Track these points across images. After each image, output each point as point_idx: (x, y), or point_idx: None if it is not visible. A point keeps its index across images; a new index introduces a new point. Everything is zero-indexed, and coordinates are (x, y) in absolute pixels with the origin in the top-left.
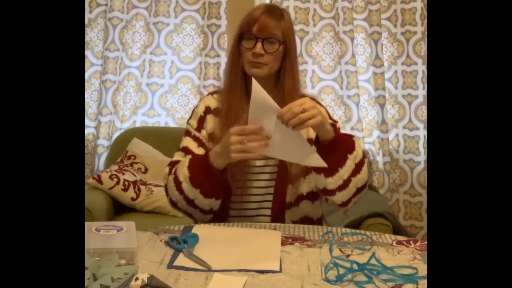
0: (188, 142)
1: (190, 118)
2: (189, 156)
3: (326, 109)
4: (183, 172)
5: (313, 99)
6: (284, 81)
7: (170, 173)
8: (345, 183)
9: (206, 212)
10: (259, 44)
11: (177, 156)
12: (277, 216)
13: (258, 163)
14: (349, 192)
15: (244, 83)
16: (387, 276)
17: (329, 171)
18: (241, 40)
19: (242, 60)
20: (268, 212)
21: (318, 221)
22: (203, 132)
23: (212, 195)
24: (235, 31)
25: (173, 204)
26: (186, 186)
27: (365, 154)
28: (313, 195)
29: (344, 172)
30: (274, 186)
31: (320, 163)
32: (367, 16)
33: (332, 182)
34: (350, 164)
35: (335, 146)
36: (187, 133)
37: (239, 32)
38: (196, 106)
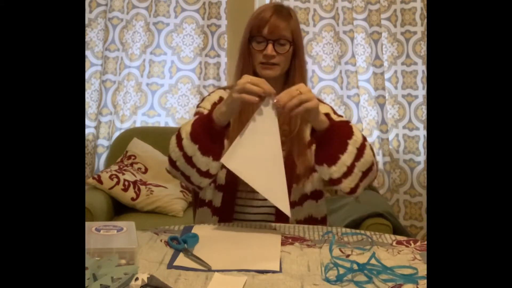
0: None
1: (201, 102)
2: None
3: (331, 107)
4: (186, 129)
5: (317, 99)
6: (294, 79)
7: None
8: (349, 169)
9: (203, 173)
10: (270, 46)
11: None
12: (282, 215)
13: None
14: (354, 177)
15: None
16: (387, 276)
17: (331, 159)
18: (251, 41)
19: (252, 61)
20: (273, 210)
21: (322, 221)
22: None
23: (210, 153)
24: (244, 33)
25: (173, 164)
26: (186, 141)
27: (365, 137)
28: (317, 194)
29: (347, 158)
30: None
31: (286, 210)
32: (367, 16)
33: (336, 170)
34: (351, 149)
35: (333, 133)
36: (199, 113)
37: (248, 34)
38: (208, 95)
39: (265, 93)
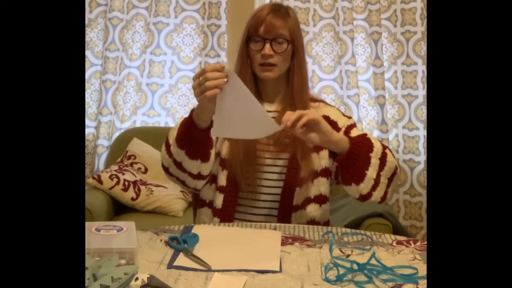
0: None
1: None
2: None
3: (337, 109)
4: (172, 135)
5: (322, 101)
6: (293, 80)
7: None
8: (376, 181)
9: (195, 176)
10: (267, 45)
11: None
12: (284, 219)
13: (267, 161)
14: (382, 187)
15: (254, 84)
16: (387, 276)
17: (358, 178)
18: (248, 42)
19: (251, 62)
20: (275, 212)
21: (325, 225)
22: None
23: (197, 156)
24: (242, 33)
25: (166, 170)
26: (173, 148)
27: (384, 145)
28: (321, 199)
29: (372, 172)
30: (282, 187)
31: (276, 127)
32: (367, 16)
33: (364, 187)
34: (374, 162)
35: (355, 152)
36: None
37: (246, 35)
38: None
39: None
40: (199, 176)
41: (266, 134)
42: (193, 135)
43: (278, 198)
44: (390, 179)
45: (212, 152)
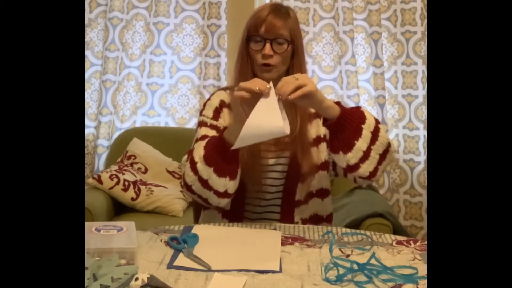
0: (205, 131)
1: (203, 110)
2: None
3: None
4: (198, 152)
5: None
6: None
7: (187, 157)
8: (366, 154)
9: (221, 194)
10: (267, 45)
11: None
12: (287, 214)
13: (270, 161)
14: (372, 161)
15: None
16: (387, 276)
17: (346, 147)
18: (249, 42)
19: (251, 62)
20: (278, 209)
21: (328, 218)
22: (221, 121)
23: (226, 174)
24: (242, 33)
25: (188, 188)
26: (200, 165)
27: (378, 120)
28: (323, 193)
29: (362, 143)
30: (284, 184)
31: (285, 129)
32: (367, 16)
33: (352, 156)
34: (366, 134)
35: (345, 120)
36: (202, 124)
37: (246, 34)
38: (209, 99)
39: (260, 90)
40: (225, 194)
41: (277, 136)
42: (224, 153)
43: (280, 195)
44: (382, 156)
45: (239, 170)
